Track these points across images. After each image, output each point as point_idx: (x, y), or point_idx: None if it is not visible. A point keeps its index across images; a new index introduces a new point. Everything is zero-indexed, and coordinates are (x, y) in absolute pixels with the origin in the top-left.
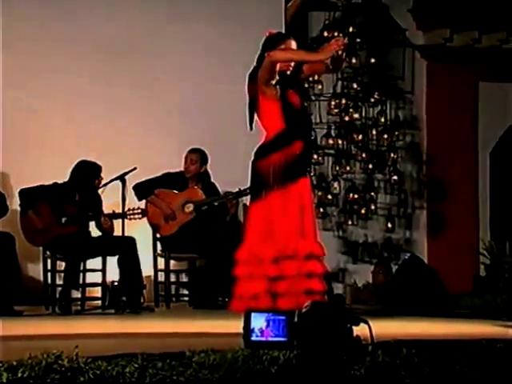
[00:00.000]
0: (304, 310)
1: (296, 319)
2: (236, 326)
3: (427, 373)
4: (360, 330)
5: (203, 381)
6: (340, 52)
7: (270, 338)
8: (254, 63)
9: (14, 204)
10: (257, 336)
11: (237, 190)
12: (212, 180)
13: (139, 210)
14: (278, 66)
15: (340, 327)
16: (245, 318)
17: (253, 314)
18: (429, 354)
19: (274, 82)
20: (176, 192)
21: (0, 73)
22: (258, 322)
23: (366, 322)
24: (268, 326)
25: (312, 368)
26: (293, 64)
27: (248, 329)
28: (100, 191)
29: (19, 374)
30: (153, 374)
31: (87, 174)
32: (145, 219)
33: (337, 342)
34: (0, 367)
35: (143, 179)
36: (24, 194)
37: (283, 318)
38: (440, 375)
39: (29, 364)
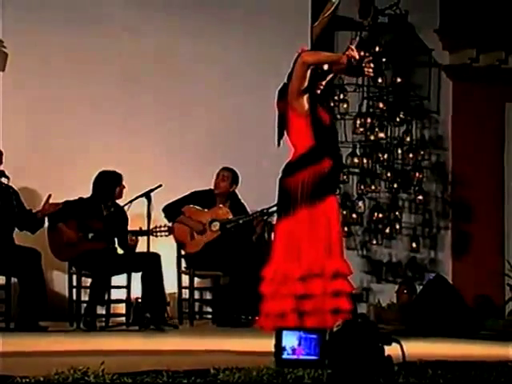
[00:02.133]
0: (336, 329)
1: (328, 338)
2: (261, 344)
3: None
4: (391, 349)
5: None
6: (356, 62)
7: (302, 357)
8: (285, 80)
9: None
10: (288, 354)
11: (262, 208)
12: (241, 201)
13: (166, 228)
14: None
15: (372, 346)
16: (276, 336)
17: (284, 332)
18: (454, 376)
19: (305, 97)
20: (203, 210)
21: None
22: (290, 340)
23: (398, 342)
24: (300, 344)
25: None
26: (324, 83)
27: (280, 347)
28: (125, 208)
29: None
30: None
31: (108, 182)
32: (170, 236)
33: (368, 361)
34: (27, 382)
35: (172, 200)
36: None
37: (315, 336)
38: None
39: (55, 380)
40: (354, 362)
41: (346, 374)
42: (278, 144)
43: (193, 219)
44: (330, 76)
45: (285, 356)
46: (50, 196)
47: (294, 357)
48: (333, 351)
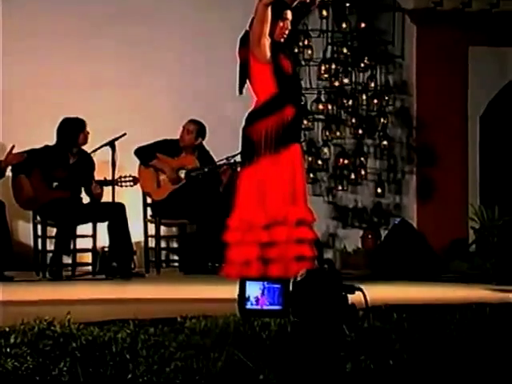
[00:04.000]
0: (299, 279)
1: (291, 287)
2: (227, 291)
3: (418, 337)
4: (354, 297)
5: (195, 346)
6: None
7: (265, 307)
8: (247, 27)
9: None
10: (252, 304)
11: (226, 156)
12: (209, 152)
13: (131, 178)
14: (276, 32)
15: (335, 295)
16: (240, 287)
17: (248, 283)
18: (419, 319)
19: (266, 44)
20: (170, 158)
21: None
22: (253, 290)
23: (361, 290)
24: (263, 294)
25: (307, 336)
26: (287, 32)
27: (243, 297)
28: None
29: (12, 340)
30: (144, 340)
31: (71, 128)
32: (136, 185)
33: (332, 309)
34: None
35: (142, 144)
36: None
37: (278, 286)
38: (430, 340)
39: (21, 330)
40: (318, 311)
41: (309, 322)
42: (240, 92)
43: (166, 165)
44: (290, 14)
45: (248, 306)
46: (13, 147)
47: (258, 307)
48: (296, 301)
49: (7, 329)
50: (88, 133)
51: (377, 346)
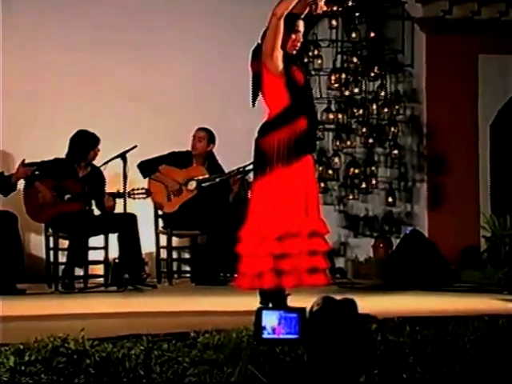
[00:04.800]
0: (315, 308)
1: (308, 316)
2: (239, 303)
3: (431, 350)
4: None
5: (208, 361)
6: None
7: (282, 336)
8: (259, 40)
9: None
10: (268, 334)
11: (238, 167)
12: (218, 162)
13: (143, 190)
14: (289, 45)
15: (352, 326)
16: (256, 316)
17: (264, 312)
18: (432, 331)
19: (279, 56)
20: (179, 169)
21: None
22: (270, 319)
23: (375, 319)
24: (280, 323)
25: (324, 364)
26: (299, 44)
27: (259, 326)
28: (102, 169)
29: (26, 358)
30: (158, 356)
31: (84, 143)
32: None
33: (349, 339)
34: (7, 351)
35: (148, 157)
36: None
37: (295, 315)
38: (444, 352)
39: (35, 347)
40: (335, 342)
41: (326, 352)
42: (253, 104)
43: (169, 177)
44: (302, 26)
45: (265, 335)
46: (23, 161)
47: (275, 336)
48: (313, 331)
49: (21, 346)
50: (99, 150)
51: (390, 359)
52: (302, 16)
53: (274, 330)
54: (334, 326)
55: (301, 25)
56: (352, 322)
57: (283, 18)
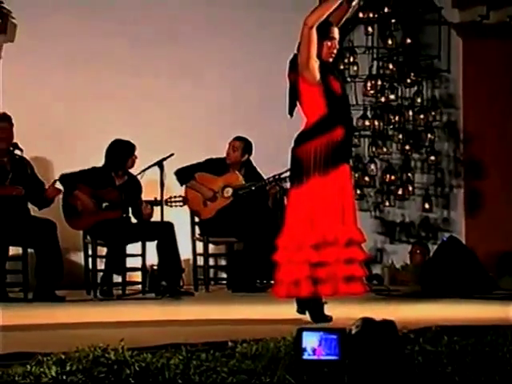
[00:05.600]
0: (354, 331)
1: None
2: (276, 311)
3: (469, 360)
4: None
5: (246, 371)
6: None
7: (322, 357)
8: (295, 50)
9: None
10: (309, 355)
11: (274, 174)
12: (256, 169)
13: (180, 198)
14: (324, 52)
15: (391, 346)
16: (296, 337)
17: (304, 333)
18: (470, 341)
19: (315, 66)
20: (216, 176)
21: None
22: (310, 340)
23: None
24: (320, 344)
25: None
26: (335, 51)
27: (299, 347)
28: (139, 177)
29: (67, 368)
30: (197, 366)
31: (121, 152)
32: None
33: (388, 360)
34: (48, 360)
35: (185, 165)
36: (65, 178)
37: (335, 336)
38: (482, 363)
39: (76, 357)
40: (375, 362)
41: (366, 374)
42: (291, 114)
43: (204, 185)
44: (337, 33)
45: (305, 357)
46: (55, 181)
47: (315, 357)
48: (353, 353)
49: (63, 356)
50: (136, 157)
51: (428, 370)
52: (339, 25)
53: (314, 351)
54: (374, 348)
55: (335, 32)
56: (392, 344)
57: (315, 27)
